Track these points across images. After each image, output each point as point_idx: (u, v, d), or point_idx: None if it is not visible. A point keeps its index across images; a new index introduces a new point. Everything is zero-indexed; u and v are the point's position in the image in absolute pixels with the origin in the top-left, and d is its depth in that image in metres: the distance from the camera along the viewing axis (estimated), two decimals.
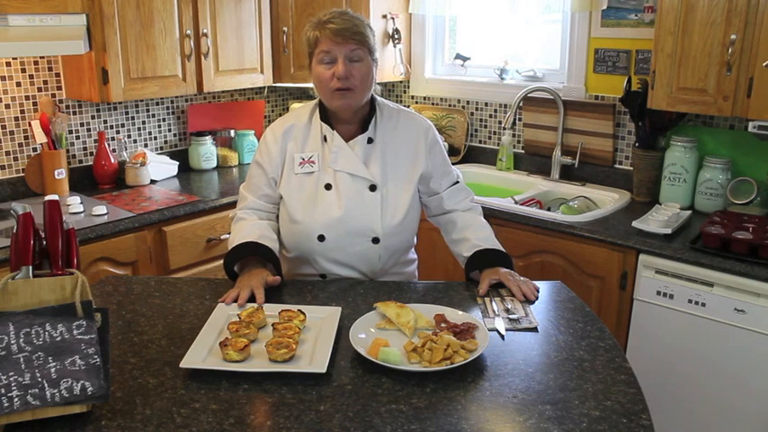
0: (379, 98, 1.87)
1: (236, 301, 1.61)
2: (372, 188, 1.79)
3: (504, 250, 1.82)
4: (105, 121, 3.00)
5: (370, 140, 1.81)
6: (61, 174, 2.74)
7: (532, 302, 1.65)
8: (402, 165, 1.83)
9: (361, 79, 1.71)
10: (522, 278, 1.73)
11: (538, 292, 1.70)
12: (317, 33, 1.70)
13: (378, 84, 1.83)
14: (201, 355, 1.35)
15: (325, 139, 1.82)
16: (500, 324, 1.53)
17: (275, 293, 1.70)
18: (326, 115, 1.82)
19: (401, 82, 3.58)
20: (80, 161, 2.94)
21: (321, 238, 1.78)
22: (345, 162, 1.79)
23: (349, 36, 1.67)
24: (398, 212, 1.81)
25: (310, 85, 1.80)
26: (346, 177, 1.79)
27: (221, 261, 2.75)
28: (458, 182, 1.94)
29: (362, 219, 1.78)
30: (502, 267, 1.76)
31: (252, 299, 1.63)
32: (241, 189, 1.92)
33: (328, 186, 1.79)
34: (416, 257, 2.02)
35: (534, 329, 1.51)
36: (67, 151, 2.85)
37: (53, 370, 1.14)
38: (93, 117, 2.95)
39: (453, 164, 2.00)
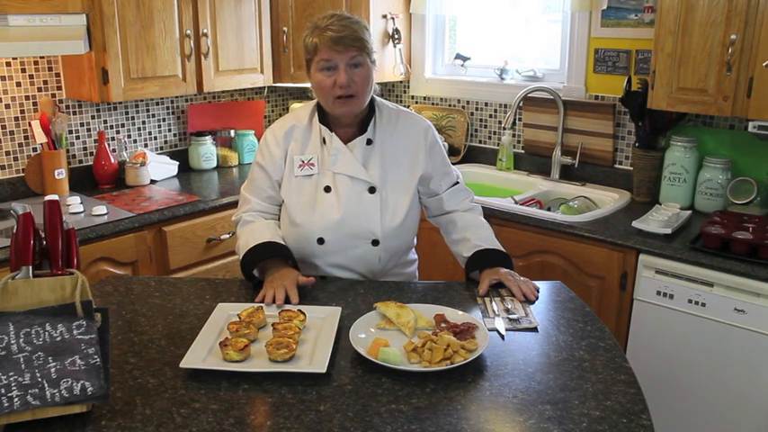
0: (378, 99, 1.86)
1: (273, 301, 1.61)
2: (372, 190, 1.79)
3: (504, 250, 1.82)
4: (105, 121, 3.00)
5: (369, 142, 1.81)
6: (61, 174, 2.74)
7: (532, 302, 1.65)
8: (401, 166, 1.82)
9: (363, 84, 1.71)
10: (522, 278, 1.73)
11: (538, 292, 1.70)
12: (315, 41, 1.68)
13: (377, 84, 1.83)
14: (201, 355, 1.35)
15: (324, 141, 1.82)
16: (500, 324, 1.53)
17: None
18: (325, 117, 1.81)
19: (401, 82, 3.57)
20: (80, 161, 2.94)
21: (321, 241, 1.78)
22: (344, 164, 1.78)
23: (349, 44, 1.66)
24: (398, 214, 1.80)
25: (310, 85, 1.79)
26: (345, 180, 1.78)
27: (221, 261, 2.78)
28: (458, 182, 1.94)
29: (362, 221, 1.78)
30: (502, 267, 1.76)
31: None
32: (242, 191, 1.91)
33: (327, 189, 1.79)
34: (416, 258, 2.02)
35: (534, 329, 1.51)
36: (67, 151, 2.85)
37: (53, 370, 1.14)
38: (93, 117, 2.95)
39: (453, 164, 2.00)
